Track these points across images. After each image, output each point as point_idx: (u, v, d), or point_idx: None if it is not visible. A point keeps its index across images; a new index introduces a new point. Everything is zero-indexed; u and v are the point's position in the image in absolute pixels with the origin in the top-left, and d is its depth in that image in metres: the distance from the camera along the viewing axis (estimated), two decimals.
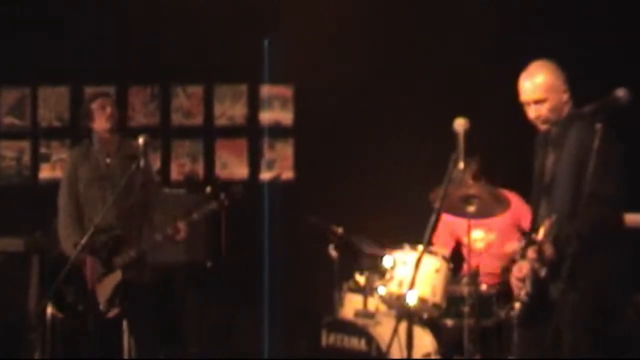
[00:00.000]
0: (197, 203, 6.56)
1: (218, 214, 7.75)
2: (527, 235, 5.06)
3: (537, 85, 5.02)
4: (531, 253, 4.90)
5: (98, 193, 6.49)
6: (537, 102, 5.02)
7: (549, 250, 4.79)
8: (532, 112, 5.06)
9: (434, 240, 7.25)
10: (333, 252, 7.15)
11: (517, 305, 5.10)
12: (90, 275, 6.40)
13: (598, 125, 4.20)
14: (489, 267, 6.90)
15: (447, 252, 7.00)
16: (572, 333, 4.77)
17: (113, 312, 6.35)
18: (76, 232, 6.44)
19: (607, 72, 7.35)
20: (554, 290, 4.87)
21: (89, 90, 7.79)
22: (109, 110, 6.58)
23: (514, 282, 5.15)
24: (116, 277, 6.39)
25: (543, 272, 4.89)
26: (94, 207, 6.47)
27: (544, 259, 4.83)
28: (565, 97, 5.03)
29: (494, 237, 7.12)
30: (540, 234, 4.80)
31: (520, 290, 5.09)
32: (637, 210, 6.55)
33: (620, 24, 7.90)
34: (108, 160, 6.58)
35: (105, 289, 6.39)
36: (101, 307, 6.37)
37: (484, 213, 6.39)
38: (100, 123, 6.59)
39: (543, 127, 5.08)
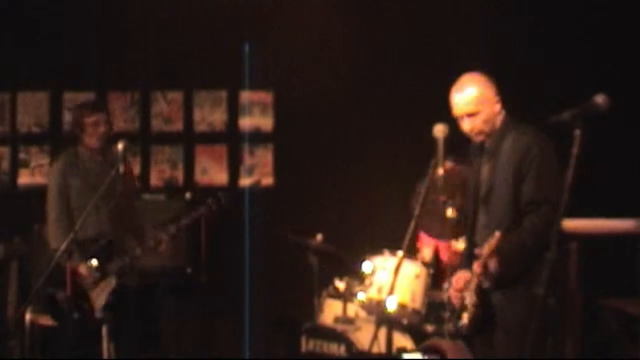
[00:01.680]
0: (183, 210, 6.56)
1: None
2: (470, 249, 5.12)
3: (469, 98, 5.13)
4: (476, 267, 4.98)
5: (87, 201, 6.47)
6: (470, 115, 5.13)
7: (493, 265, 4.87)
8: (466, 125, 5.17)
9: (420, 245, 7.25)
10: (313, 259, 7.16)
11: (465, 315, 5.15)
12: (86, 286, 6.39)
13: (577, 132, 4.21)
14: None
15: (430, 254, 7.02)
16: (554, 336, 4.82)
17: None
18: (63, 238, 6.44)
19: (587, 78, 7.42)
20: (495, 298, 5.04)
21: (83, 102, 7.52)
22: (102, 129, 6.56)
23: (453, 293, 5.23)
24: (110, 283, 6.38)
25: (487, 284, 4.96)
26: (82, 214, 6.45)
27: (489, 273, 4.89)
28: (497, 107, 5.16)
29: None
30: (486, 249, 4.85)
31: (460, 301, 5.15)
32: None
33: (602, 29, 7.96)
34: (98, 169, 6.57)
35: (99, 295, 6.39)
36: (96, 313, 6.36)
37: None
38: (90, 140, 6.59)
39: (478, 138, 5.21)
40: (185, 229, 6.56)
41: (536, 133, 5.02)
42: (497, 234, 4.80)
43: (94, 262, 6.41)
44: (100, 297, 6.38)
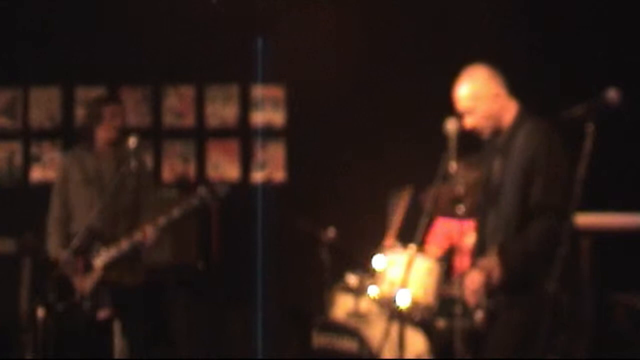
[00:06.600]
0: (176, 202, 6.53)
1: (208, 215, 7.76)
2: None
3: (463, 95, 4.95)
4: (479, 276, 4.84)
5: (86, 196, 6.51)
6: (467, 111, 4.94)
7: (496, 275, 4.76)
8: (467, 122, 4.98)
9: (428, 240, 7.24)
10: (325, 253, 7.15)
11: (479, 314, 5.06)
12: (68, 274, 6.41)
13: (590, 126, 4.18)
14: None
15: (438, 253, 6.99)
16: (567, 332, 4.77)
17: (104, 314, 6.35)
18: (58, 235, 6.52)
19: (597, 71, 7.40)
20: (498, 299, 4.87)
21: (99, 95, 7.72)
22: (118, 120, 6.57)
23: (468, 293, 4.99)
24: (95, 275, 6.39)
25: (490, 290, 4.85)
26: (81, 209, 6.50)
27: (493, 284, 4.79)
28: (498, 103, 4.91)
29: None
30: (492, 259, 4.75)
31: (475, 300, 4.99)
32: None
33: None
34: (100, 164, 6.58)
35: (85, 287, 6.40)
36: (84, 304, 6.38)
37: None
38: (107, 130, 6.58)
39: (485, 134, 4.99)
40: (178, 221, 6.50)
41: (548, 131, 4.78)
42: (497, 247, 4.70)
43: (80, 254, 6.43)
44: (85, 289, 6.39)
